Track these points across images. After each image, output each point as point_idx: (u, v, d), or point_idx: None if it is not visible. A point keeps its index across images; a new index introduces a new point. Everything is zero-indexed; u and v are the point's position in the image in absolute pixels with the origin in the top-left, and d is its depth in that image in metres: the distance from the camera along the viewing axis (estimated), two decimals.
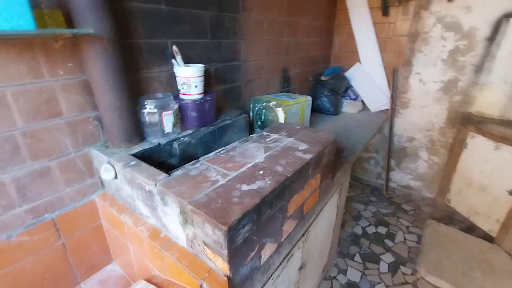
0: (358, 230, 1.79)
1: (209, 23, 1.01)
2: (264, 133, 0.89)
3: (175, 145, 0.84)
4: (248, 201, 0.53)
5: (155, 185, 0.59)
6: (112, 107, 0.71)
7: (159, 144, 0.81)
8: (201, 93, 0.92)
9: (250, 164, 0.68)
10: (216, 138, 0.99)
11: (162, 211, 0.61)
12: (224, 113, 1.11)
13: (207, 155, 0.73)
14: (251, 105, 1.27)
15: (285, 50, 1.54)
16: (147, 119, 0.79)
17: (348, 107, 1.89)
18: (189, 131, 0.90)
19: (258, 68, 1.35)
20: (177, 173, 0.63)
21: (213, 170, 0.65)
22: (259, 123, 1.27)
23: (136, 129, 0.78)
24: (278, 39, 1.45)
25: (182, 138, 0.86)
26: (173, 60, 0.86)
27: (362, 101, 2.01)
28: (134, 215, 0.70)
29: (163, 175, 0.61)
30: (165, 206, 0.59)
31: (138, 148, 0.77)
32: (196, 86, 0.89)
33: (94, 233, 0.81)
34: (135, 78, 0.82)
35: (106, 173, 0.70)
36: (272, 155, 0.73)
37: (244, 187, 0.57)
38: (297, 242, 0.88)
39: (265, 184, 0.59)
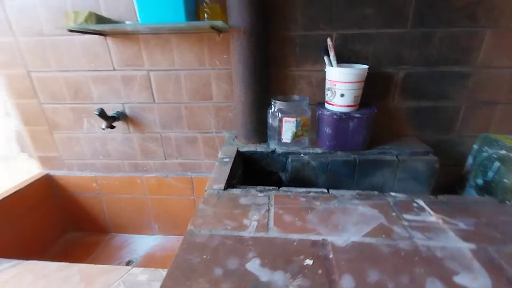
0: None
1: (415, 2, 0.65)
2: (425, 206, 0.48)
3: (289, 159, 0.70)
4: None
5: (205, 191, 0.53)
6: (238, 100, 0.71)
7: (273, 151, 0.71)
8: (349, 105, 0.66)
9: (312, 237, 0.40)
10: (354, 173, 0.69)
11: None
12: (395, 143, 0.73)
13: (307, 189, 0.53)
14: (475, 146, 0.72)
15: None
16: (269, 121, 0.71)
17: None
18: (317, 150, 0.70)
19: None
20: (225, 192, 0.52)
21: (259, 210, 0.46)
22: (479, 181, 0.70)
23: (257, 128, 0.73)
24: None
25: (300, 154, 0.69)
26: (325, 57, 0.67)
27: None
28: None
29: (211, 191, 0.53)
30: None
31: (251, 148, 0.73)
32: (342, 95, 0.65)
33: None
34: (282, 75, 0.75)
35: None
36: (374, 245, 0.38)
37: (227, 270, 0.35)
38: None
39: None
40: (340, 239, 0.40)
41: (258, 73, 0.68)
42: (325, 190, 0.53)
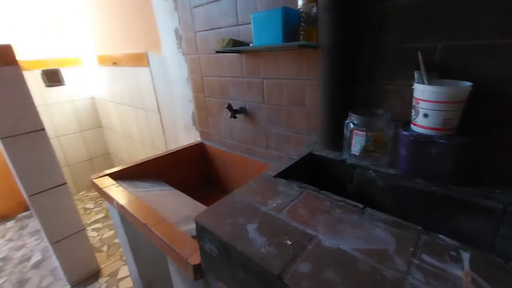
0: None
1: None
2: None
3: (356, 171, 0.71)
4: None
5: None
6: (319, 109, 0.79)
7: (343, 160, 0.75)
8: (434, 128, 0.57)
9: (307, 230, 0.47)
10: (433, 210, 0.60)
11: None
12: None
13: (343, 199, 0.58)
14: None
15: None
16: (344, 131, 0.74)
17: None
18: (391, 171, 0.66)
19: None
20: (273, 179, 0.65)
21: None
22: None
23: (334, 137, 0.78)
24: None
25: (369, 170, 0.68)
26: (415, 72, 0.61)
27: None
28: None
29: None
30: None
31: (323, 153, 0.79)
32: (425, 115, 0.58)
33: None
34: (371, 89, 0.74)
35: None
36: (356, 259, 0.41)
37: None
38: None
39: None
40: (329, 242, 0.44)
41: (337, 87, 0.73)
42: (361, 205, 0.54)
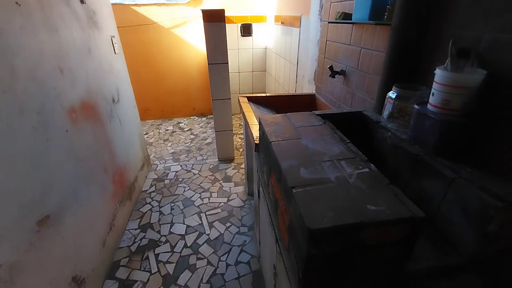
0: None
1: None
2: None
3: (379, 131, 0.91)
4: None
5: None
6: (379, 79, 0.98)
7: (377, 121, 0.95)
8: (436, 106, 0.70)
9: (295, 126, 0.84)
10: (413, 169, 0.77)
11: None
12: (494, 175, 0.63)
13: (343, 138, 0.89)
14: None
15: None
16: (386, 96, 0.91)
17: None
18: (403, 135, 0.83)
19: None
20: (314, 114, 0.99)
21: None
22: None
23: (382, 103, 0.96)
24: None
25: (388, 132, 0.88)
26: (448, 59, 0.70)
27: None
28: None
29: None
30: None
31: (369, 113, 1.00)
32: (432, 94, 0.71)
33: None
34: (427, 67, 0.84)
35: None
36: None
37: None
38: None
39: None
40: (304, 141, 0.80)
41: (395, 61, 0.89)
42: (347, 140, 0.82)
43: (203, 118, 3.53)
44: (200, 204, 1.88)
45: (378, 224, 0.49)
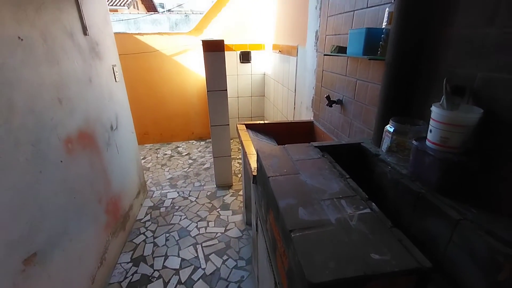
0: None
1: None
2: None
3: (379, 164, 0.90)
4: None
5: None
6: (376, 111, 0.98)
7: (376, 154, 0.94)
8: (434, 143, 0.69)
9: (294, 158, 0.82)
10: (414, 209, 0.75)
11: None
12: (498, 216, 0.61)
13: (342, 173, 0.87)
14: None
15: None
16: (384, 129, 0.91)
17: None
18: (403, 170, 0.82)
19: None
20: (312, 146, 0.98)
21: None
22: None
23: (380, 135, 0.96)
24: None
25: (388, 166, 0.86)
26: (444, 96, 0.70)
27: None
28: None
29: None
30: None
31: (367, 145, 0.99)
32: (430, 131, 0.70)
33: None
34: (423, 103, 0.85)
35: None
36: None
37: None
38: None
39: None
40: (303, 177, 0.78)
41: (390, 94, 0.90)
42: (347, 175, 0.80)
43: (201, 142, 3.53)
44: (197, 235, 1.82)
45: (382, 277, 0.46)
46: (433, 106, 0.70)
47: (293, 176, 0.79)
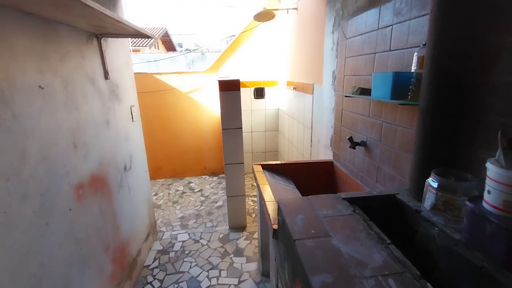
0: None
1: None
2: None
3: (422, 224, 0.78)
4: None
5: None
6: (412, 161, 0.88)
7: (417, 210, 0.82)
8: (496, 207, 0.58)
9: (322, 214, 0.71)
10: (480, 284, 0.61)
11: None
12: None
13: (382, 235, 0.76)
14: None
15: None
16: (425, 183, 0.80)
17: None
18: (455, 235, 0.69)
19: None
20: (341, 197, 0.87)
21: None
22: None
23: (418, 187, 0.85)
24: None
25: (435, 227, 0.74)
26: (499, 150, 0.60)
27: None
28: None
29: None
30: None
31: (404, 198, 0.88)
32: (488, 192, 0.59)
33: None
34: (470, 154, 0.75)
35: None
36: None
37: None
38: None
39: None
40: (335, 242, 0.67)
41: (427, 144, 0.80)
42: (388, 241, 0.68)
43: (214, 178, 3.46)
44: (208, 286, 1.65)
45: None
46: (488, 163, 0.60)
47: (323, 240, 0.69)
